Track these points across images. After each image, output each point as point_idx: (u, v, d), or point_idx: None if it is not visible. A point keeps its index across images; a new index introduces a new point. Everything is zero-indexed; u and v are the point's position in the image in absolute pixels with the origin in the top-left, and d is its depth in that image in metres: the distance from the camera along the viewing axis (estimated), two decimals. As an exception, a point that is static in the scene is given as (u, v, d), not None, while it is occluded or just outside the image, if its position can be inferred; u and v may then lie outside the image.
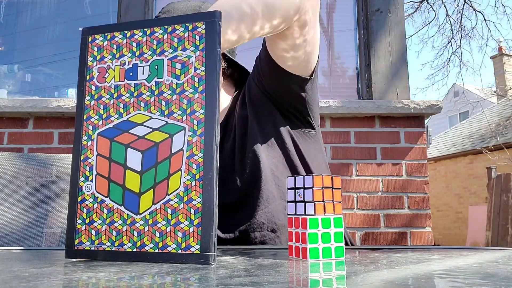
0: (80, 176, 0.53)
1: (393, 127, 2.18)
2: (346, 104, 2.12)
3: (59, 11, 2.61)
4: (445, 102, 17.35)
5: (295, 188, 0.54)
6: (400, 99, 2.21)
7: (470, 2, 9.27)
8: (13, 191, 1.15)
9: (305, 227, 0.50)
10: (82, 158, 0.54)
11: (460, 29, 9.68)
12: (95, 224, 0.52)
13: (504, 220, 3.78)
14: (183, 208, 0.49)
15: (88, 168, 0.53)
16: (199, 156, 0.50)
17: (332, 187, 0.52)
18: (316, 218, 0.51)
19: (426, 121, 2.25)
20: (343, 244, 0.52)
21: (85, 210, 0.52)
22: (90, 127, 0.54)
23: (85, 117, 0.55)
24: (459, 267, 0.47)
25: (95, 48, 0.56)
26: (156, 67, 0.53)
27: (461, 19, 9.58)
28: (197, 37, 0.53)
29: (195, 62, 0.52)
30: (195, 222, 0.49)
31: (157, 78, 0.53)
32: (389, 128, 2.18)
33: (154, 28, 0.54)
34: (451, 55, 10.44)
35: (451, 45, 10.24)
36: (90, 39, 0.56)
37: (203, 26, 0.53)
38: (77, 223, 0.52)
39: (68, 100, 2.09)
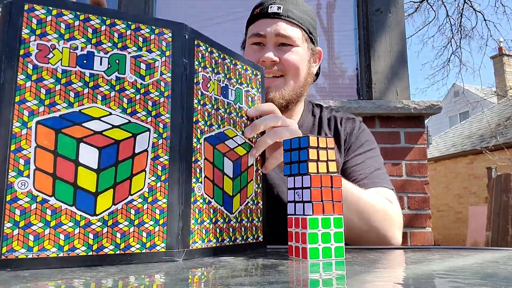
0: (10, 170, 0.44)
1: (393, 127, 2.18)
2: (346, 104, 2.12)
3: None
4: (445, 102, 17.35)
5: (294, 188, 0.54)
6: (400, 99, 2.21)
7: (470, 2, 9.27)
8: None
9: (305, 227, 0.50)
10: (12, 148, 0.45)
11: (460, 29, 9.67)
12: (33, 227, 0.44)
13: (504, 220, 3.77)
14: (147, 208, 0.49)
15: (22, 161, 0.45)
16: (164, 159, 0.51)
17: (331, 187, 0.52)
18: (316, 218, 0.50)
19: (426, 121, 2.25)
20: (343, 244, 0.52)
21: (17, 212, 0.44)
22: (26, 113, 0.46)
23: (17, 99, 0.46)
24: (459, 267, 0.47)
25: (34, 20, 0.48)
26: (117, 61, 0.51)
27: (461, 19, 9.57)
28: (164, 43, 0.53)
29: (161, 66, 0.53)
30: (161, 221, 0.49)
31: (118, 73, 0.51)
32: (389, 128, 2.18)
33: (116, 20, 0.51)
34: (451, 55, 10.41)
35: (451, 45, 10.26)
36: (26, 7, 0.48)
37: (170, 34, 0.54)
38: (4, 227, 0.43)
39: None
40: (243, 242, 0.61)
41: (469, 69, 14.43)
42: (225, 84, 0.61)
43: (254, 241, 0.63)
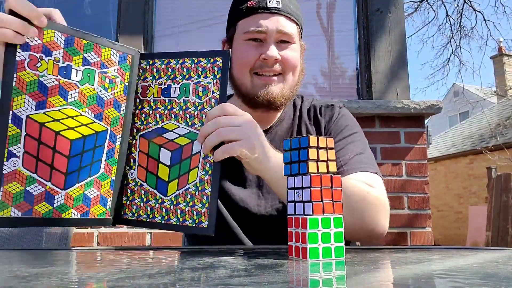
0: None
1: (393, 127, 2.18)
2: (346, 104, 2.12)
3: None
4: (445, 102, 17.32)
5: (294, 188, 0.54)
6: (400, 99, 2.21)
7: (470, 2, 9.27)
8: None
9: (305, 227, 0.50)
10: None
11: (459, 29, 9.67)
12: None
13: (504, 221, 3.78)
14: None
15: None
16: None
17: (331, 187, 0.52)
18: (316, 218, 0.50)
19: (426, 121, 2.25)
20: (343, 244, 0.52)
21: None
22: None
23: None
24: (459, 267, 0.47)
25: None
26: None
27: (460, 19, 9.57)
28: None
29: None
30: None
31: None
32: (389, 128, 2.18)
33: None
34: (450, 55, 10.40)
35: (451, 45, 10.23)
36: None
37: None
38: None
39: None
40: (178, 224, 0.67)
41: (469, 69, 14.44)
42: (168, 85, 0.72)
43: (193, 225, 0.67)
